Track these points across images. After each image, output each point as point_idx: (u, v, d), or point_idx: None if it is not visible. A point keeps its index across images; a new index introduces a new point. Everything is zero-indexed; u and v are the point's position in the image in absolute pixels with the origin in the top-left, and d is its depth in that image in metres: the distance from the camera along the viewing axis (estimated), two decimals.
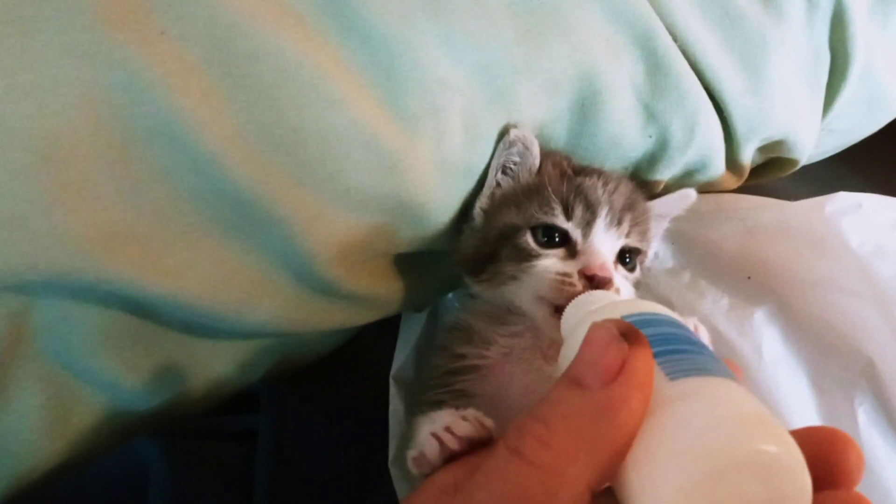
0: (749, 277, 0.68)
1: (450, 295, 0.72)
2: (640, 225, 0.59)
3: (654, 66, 0.61)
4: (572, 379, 0.33)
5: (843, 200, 0.65)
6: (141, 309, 0.53)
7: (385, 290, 0.62)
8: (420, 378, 0.66)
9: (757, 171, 0.76)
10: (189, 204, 0.49)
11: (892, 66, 0.72)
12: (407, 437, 0.55)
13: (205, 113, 0.47)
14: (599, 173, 0.60)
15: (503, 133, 0.58)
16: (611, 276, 0.53)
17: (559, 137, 0.62)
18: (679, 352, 0.35)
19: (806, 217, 0.66)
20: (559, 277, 0.54)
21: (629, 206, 0.58)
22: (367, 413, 0.65)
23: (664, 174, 0.67)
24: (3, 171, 0.43)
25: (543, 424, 0.32)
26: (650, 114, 0.63)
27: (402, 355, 0.68)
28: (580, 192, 0.57)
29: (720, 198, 0.72)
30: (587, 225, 0.56)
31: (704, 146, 0.66)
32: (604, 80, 0.59)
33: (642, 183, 0.65)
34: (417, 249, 0.61)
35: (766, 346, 0.65)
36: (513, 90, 0.57)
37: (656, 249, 0.72)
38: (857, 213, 0.64)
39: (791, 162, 0.74)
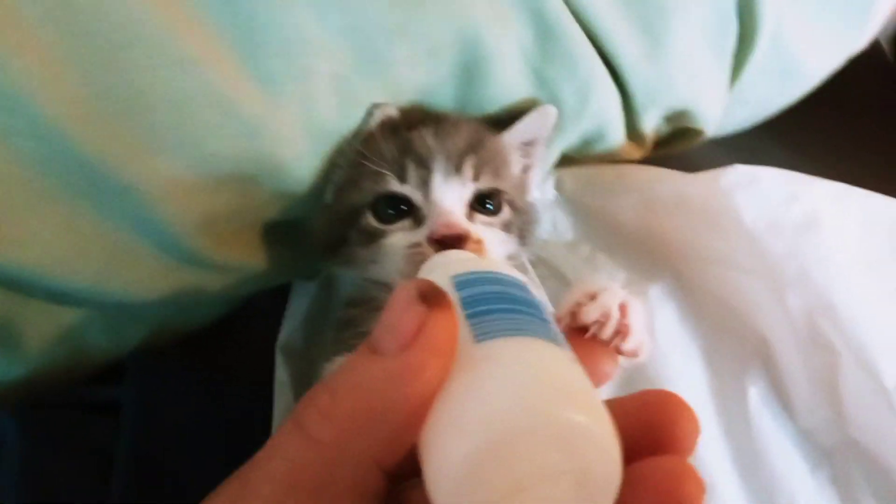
0: (646, 251, 0.66)
1: None
2: (489, 163, 0.56)
3: (544, 32, 0.58)
4: (369, 345, 0.30)
5: (738, 174, 0.63)
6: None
7: (261, 260, 0.59)
8: (319, 345, 0.64)
9: (664, 141, 0.73)
10: (31, 170, 0.47)
11: (806, 34, 0.69)
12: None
13: (41, 74, 0.44)
14: (437, 119, 0.57)
15: (374, 107, 0.56)
16: (460, 231, 0.50)
17: (445, 104, 0.59)
18: (497, 312, 0.32)
19: (702, 191, 0.64)
20: (410, 251, 0.52)
21: (471, 148, 0.55)
22: (249, 385, 0.63)
23: (558, 143, 0.65)
24: None
25: (330, 395, 0.30)
26: (540, 79, 0.60)
27: (290, 325, 0.65)
28: (409, 148, 0.54)
29: (621, 169, 0.70)
30: (424, 183, 0.53)
31: (599, 115, 0.64)
32: (489, 46, 0.56)
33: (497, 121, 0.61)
34: (294, 217, 0.59)
35: (660, 323, 0.63)
36: (387, 54, 0.54)
37: (553, 219, 0.70)
38: (752, 188, 0.62)
39: (697, 132, 0.72)
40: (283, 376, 0.62)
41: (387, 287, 0.55)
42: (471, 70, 0.57)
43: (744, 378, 0.62)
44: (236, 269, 0.58)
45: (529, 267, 0.63)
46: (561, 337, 0.32)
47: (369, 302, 0.56)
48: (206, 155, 0.50)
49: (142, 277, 0.54)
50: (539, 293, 0.61)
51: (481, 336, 0.30)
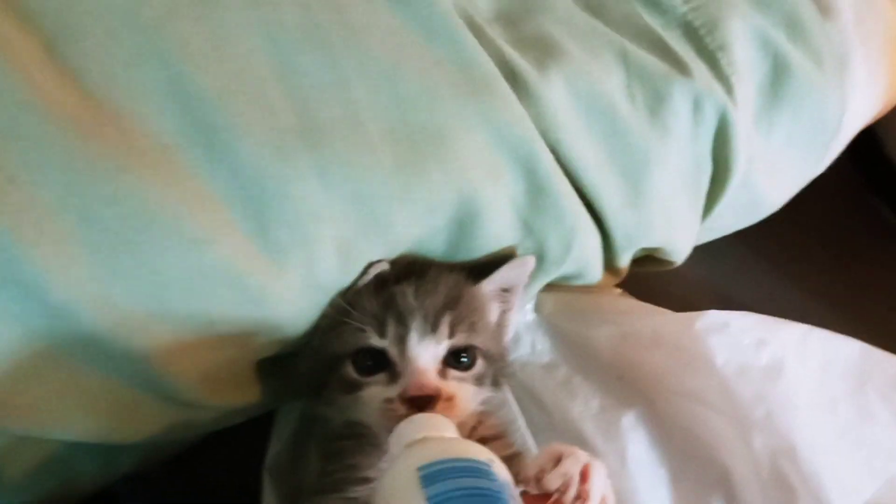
0: (621, 378, 0.69)
1: None
2: (465, 320, 0.58)
3: (535, 187, 0.61)
4: None
5: (712, 318, 0.67)
6: None
7: (253, 396, 0.61)
8: (307, 474, 0.65)
9: (635, 262, 0.76)
10: (41, 344, 0.48)
11: (773, 171, 0.73)
12: None
13: (57, 261, 0.45)
14: (422, 272, 0.59)
15: (369, 266, 0.58)
16: (431, 391, 0.53)
17: (436, 250, 0.61)
18: None
19: (676, 331, 0.68)
20: (383, 406, 0.54)
21: (449, 304, 0.57)
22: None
23: (539, 283, 0.68)
24: None
25: None
26: (528, 230, 0.63)
27: (276, 446, 0.67)
28: (391, 304, 0.56)
29: (599, 299, 0.74)
30: (401, 340, 0.55)
31: (581, 259, 0.67)
32: (483, 201, 0.59)
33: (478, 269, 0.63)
34: (284, 353, 0.61)
35: (631, 450, 0.66)
36: (389, 217, 0.56)
37: (533, 340, 0.73)
38: (723, 332, 0.66)
39: (667, 262, 0.76)
40: (270, 500, 0.64)
41: (367, 428, 0.57)
42: (464, 224, 0.60)
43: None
44: (229, 407, 0.60)
45: (511, 399, 0.66)
46: None
47: (357, 437, 0.58)
48: (212, 322, 0.52)
49: (140, 423, 0.56)
50: (519, 431, 0.64)
51: None
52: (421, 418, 0.49)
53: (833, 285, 0.97)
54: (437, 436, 0.46)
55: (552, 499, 0.46)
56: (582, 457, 0.49)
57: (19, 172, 0.44)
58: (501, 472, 0.41)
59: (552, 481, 0.47)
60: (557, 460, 0.48)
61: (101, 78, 0.47)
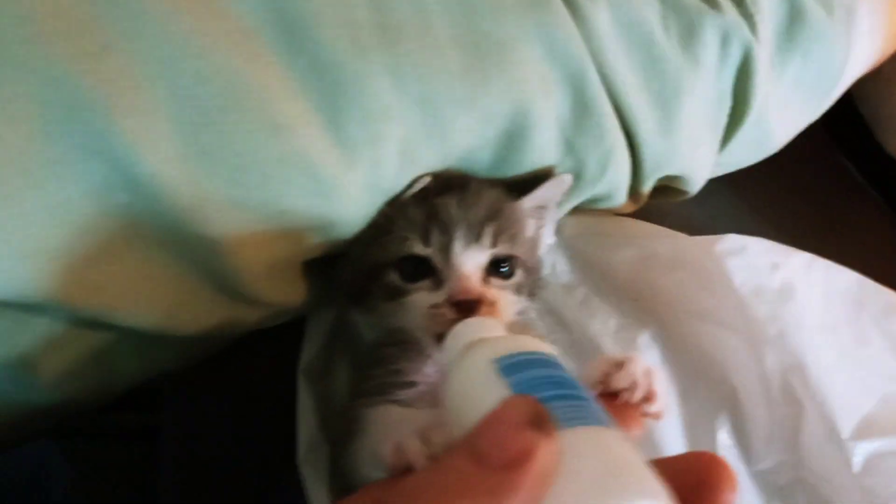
0: (636, 300, 0.73)
1: None
2: (507, 231, 0.60)
3: (581, 105, 0.63)
4: (474, 453, 0.32)
5: (731, 241, 0.71)
6: (57, 315, 0.52)
7: (302, 296, 0.62)
8: (337, 380, 0.67)
9: (651, 194, 0.80)
10: (120, 221, 0.48)
11: (781, 111, 0.77)
12: (343, 433, 0.56)
13: (146, 134, 0.46)
14: (463, 185, 0.61)
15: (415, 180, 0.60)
16: (477, 295, 0.55)
17: (483, 162, 0.63)
18: (551, 400, 0.35)
19: (696, 253, 0.71)
20: (430, 311, 0.56)
21: (491, 216, 0.59)
22: (273, 407, 0.65)
23: (573, 202, 0.71)
24: None
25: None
26: (570, 147, 0.65)
27: (310, 349, 0.67)
28: (434, 214, 0.58)
29: (622, 222, 0.76)
30: (445, 248, 0.57)
31: (613, 181, 0.70)
32: (534, 115, 0.61)
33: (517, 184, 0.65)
34: (328, 255, 0.62)
35: None
36: (451, 122, 0.57)
37: (553, 261, 0.75)
38: (742, 255, 0.70)
39: (683, 192, 0.79)
40: (306, 400, 0.64)
41: (410, 334, 0.59)
42: (513, 136, 0.61)
43: (714, 421, 0.69)
44: (279, 305, 0.61)
45: (538, 319, 0.68)
46: (605, 413, 0.37)
47: (400, 344, 0.60)
48: (283, 211, 0.53)
49: (198, 320, 0.57)
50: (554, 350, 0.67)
51: None
52: (476, 321, 0.50)
53: (806, 233, 1.01)
54: (495, 335, 0.46)
55: (621, 399, 0.47)
56: (642, 361, 0.50)
57: (115, 40, 0.44)
58: (567, 364, 0.42)
59: (620, 380, 0.48)
60: (619, 366, 0.49)
61: None
